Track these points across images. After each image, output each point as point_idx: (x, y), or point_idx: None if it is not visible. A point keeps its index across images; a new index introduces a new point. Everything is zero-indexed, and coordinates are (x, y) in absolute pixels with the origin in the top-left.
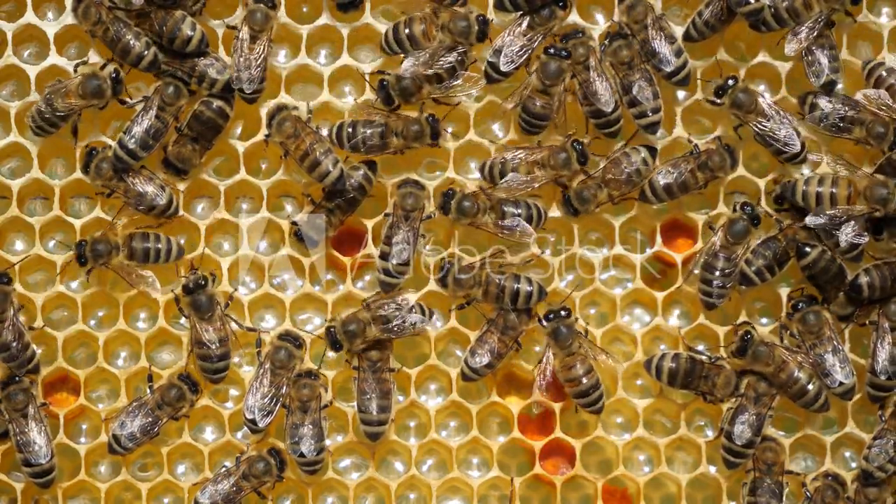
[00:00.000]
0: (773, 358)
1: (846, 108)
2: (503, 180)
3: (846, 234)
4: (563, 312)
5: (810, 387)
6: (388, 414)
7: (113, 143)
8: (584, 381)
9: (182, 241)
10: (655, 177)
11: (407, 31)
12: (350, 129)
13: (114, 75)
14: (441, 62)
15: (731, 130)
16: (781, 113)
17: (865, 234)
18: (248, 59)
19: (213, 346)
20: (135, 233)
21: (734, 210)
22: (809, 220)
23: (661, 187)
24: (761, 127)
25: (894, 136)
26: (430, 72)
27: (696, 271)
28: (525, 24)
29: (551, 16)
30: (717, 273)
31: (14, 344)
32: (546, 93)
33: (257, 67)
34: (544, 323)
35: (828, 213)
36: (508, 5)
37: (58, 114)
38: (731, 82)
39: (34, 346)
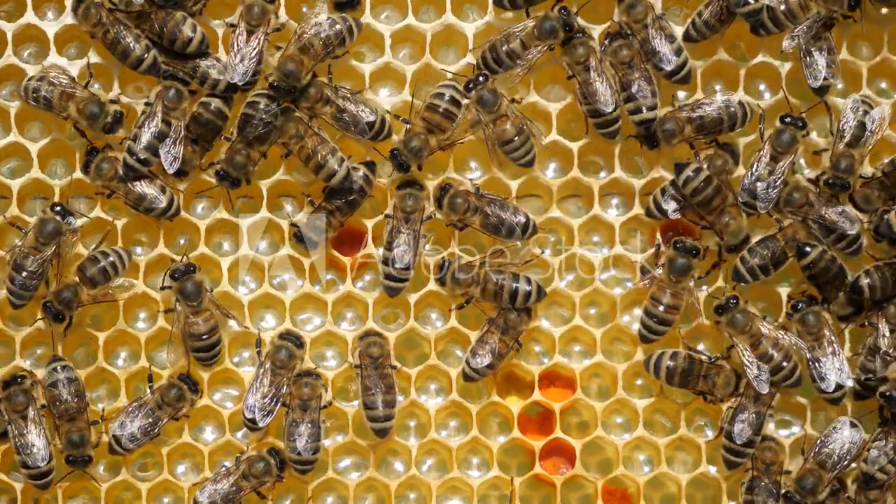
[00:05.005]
0: (749, 327)
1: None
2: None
3: None
4: (694, 251)
5: (785, 363)
6: (393, 409)
7: (120, 152)
8: (661, 309)
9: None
10: (661, 200)
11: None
12: None
13: (117, 116)
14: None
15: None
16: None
17: None
18: (242, 52)
19: (204, 337)
20: (82, 263)
21: (779, 122)
22: None
23: (671, 212)
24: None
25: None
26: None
27: (744, 184)
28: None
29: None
30: (759, 185)
31: (26, 273)
32: None
33: (251, 60)
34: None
35: None
36: (507, 3)
37: (47, 106)
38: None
39: (36, 289)
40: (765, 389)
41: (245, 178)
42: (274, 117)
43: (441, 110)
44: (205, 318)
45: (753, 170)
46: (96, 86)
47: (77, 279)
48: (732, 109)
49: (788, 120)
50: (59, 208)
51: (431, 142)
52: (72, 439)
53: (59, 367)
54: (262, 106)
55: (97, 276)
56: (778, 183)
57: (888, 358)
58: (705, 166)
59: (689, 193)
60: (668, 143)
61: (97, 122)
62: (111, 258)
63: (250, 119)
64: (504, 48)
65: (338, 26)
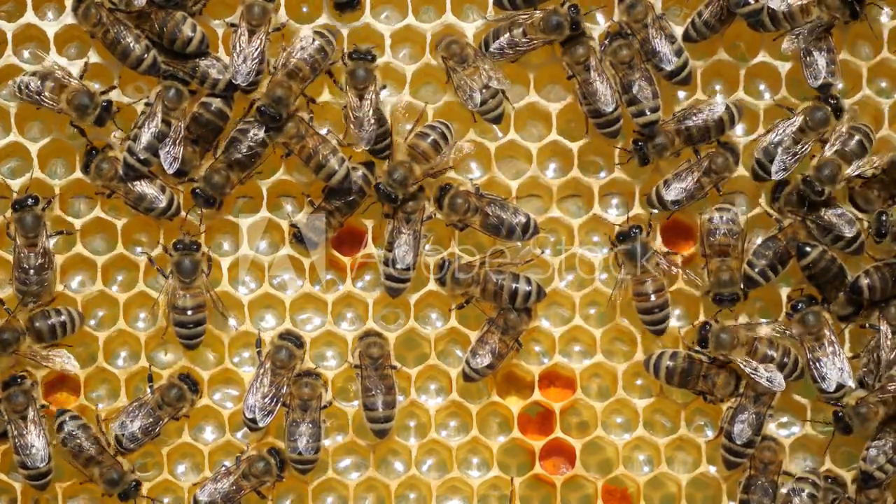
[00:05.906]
0: (738, 340)
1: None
2: (493, 46)
3: None
4: (633, 231)
5: (787, 359)
6: (393, 410)
7: (120, 152)
8: (653, 298)
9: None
10: (663, 191)
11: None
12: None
13: (104, 104)
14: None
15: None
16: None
17: None
18: (244, 52)
19: (189, 313)
20: (34, 314)
21: (821, 100)
22: None
23: (670, 202)
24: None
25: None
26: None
27: (763, 144)
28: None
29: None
30: (780, 150)
31: (33, 270)
32: None
33: (253, 60)
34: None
35: None
36: (507, 3)
37: (41, 100)
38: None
39: (51, 281)
40: (781, 386)
41: (221, 198)
42: (260, 146)
43: (430, 140)
44: (193, 294)
45: (778, 131)
46: (97, 85)
47: (23, 325)
48: (718, 115)
49: (833, 101)
50: (17, 206)
51: (416, 170)
52: (111, 479)
53: (67, 420)
54: (250, 133)
55: (44, 330)
56: (798, 154)
57: (865, 381)
58: (741, 219)
59: (705, 233)
60: (661, 156)
61: (87, 115)
62: (63, 317)
63: (236, 142)
64: (506, 35)
65: (316, 42)
